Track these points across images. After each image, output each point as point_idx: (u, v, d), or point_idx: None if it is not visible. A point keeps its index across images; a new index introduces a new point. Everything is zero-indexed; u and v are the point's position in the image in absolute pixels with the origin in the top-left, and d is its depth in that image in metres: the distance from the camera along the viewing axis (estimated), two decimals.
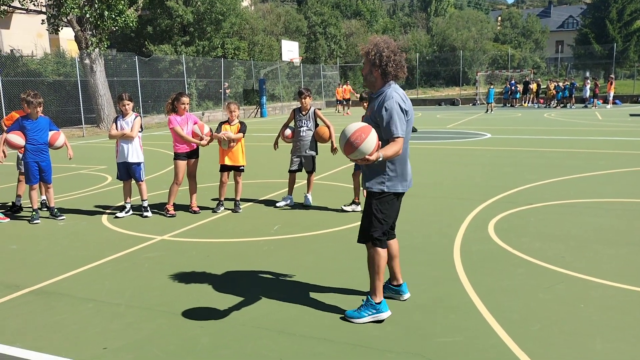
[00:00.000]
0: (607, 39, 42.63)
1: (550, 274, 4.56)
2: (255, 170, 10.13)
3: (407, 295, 4.09)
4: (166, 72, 27.03)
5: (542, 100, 32.12)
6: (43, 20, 21.27)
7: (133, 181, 7.09)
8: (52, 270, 4.99)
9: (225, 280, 4.62)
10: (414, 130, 17.66)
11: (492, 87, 28.90)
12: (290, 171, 7.38)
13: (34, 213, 6.90)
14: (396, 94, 3.57)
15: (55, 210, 7.10)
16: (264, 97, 29.51)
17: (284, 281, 4.55)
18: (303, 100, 7.18)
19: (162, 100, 25.76)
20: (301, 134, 7.25)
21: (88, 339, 3.59)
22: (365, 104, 6.09)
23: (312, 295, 4.22)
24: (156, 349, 3.41)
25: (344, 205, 7.02)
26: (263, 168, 10.71)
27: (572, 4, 75.49)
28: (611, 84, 29.32)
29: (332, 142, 6.93)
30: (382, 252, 3.70)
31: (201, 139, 6.95)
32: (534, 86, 32.47)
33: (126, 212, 7.05)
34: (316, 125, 7.24)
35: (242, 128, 7.05)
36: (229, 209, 7.20)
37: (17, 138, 6.68)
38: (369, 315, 3.70)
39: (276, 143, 7.61)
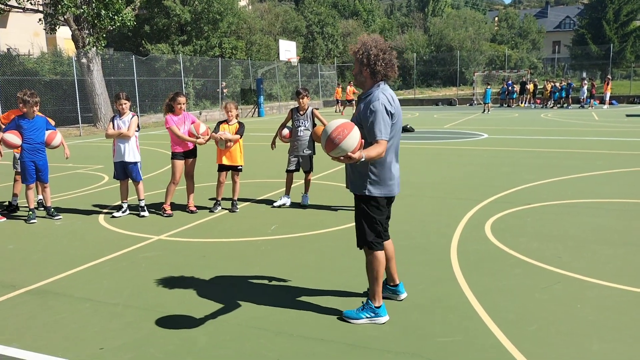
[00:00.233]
0: (603, 40, 42.79)
1: (547, 274, 4.57)
2: (252, 170, 10.12)
3: (404, 295, 4.09)
4: (163, 71, 27.00)
5: (538, 101, 32.19)
6: (40, 19, 21.21)
7: (130, 181, 7.08)
8: (49, 269, 4.98)
9: (223, 280, 4.62)
10: (411, 130, 17.69)
11: (489, 87, 28.95)
12: (287, 171, 7.38)
13: (30, 212, 6.88)
14: (383, 96, 3.50)
15: (52, 209, 7.08)
16: (262, 96, 29.51)
17: (282, 281, 4.55)
18: (301, 100, 7.18)
19: (160, 99, 25.72)
20: (299, 133, 7.26)
21: (86, 338, 3.58)
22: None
23: (310, 295, 4.22)
24: (154, 349, 3.41)
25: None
26: (260, 168, 10.71)
27: (569, 4, 75.70)
28: (608, 84, 29.41)
29: None
30: (380, 257, 3.67)
31: (197, 138, 6.94)
32: (530, 86, 32.55)
33: (123, 212, 7.04)
34: (314, 125, 7.25)
35: (241, 129, 7.05)
36: (226, 209, 7.19)
37: (13, 137, 6.66)
38: (367, 317, 3.70)
39: (274, 143, 7.61)
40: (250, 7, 41.37)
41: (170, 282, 4.58)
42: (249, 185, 8.84)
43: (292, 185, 7.49)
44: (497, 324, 3.63)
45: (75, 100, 20.35)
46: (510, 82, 33.70)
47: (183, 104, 6.97)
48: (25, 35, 27.18)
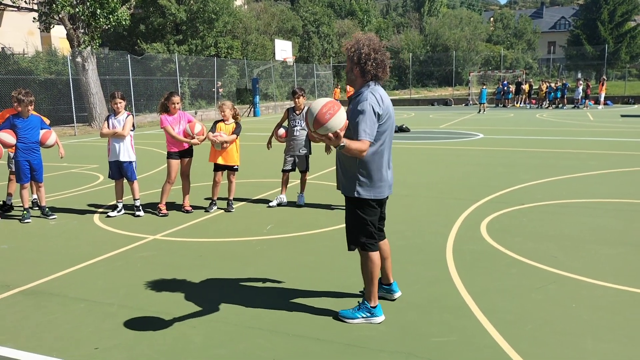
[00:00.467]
0: (598, 40, 42.96)
1: (542, 274, 4.58)
2: (248, 170, 10.11)
3: (397, 295, 4.08)
4: (159, 70, 26.93)
5: (534, 101, 32.28)
6: (35, 18, 21.10)
7: (125, 180, 7.05)
8: (43, 269, 4.96)
9: (218, 280, 4.61)
10: (407, 130, 17.70)
11: (484, 87, 29.03)
12: (283, 170, 7.37)
13: (25, 212, 6.85)
14: (372, 96, 3.43)
15: (47, 209, 7.05)
16: (257, 96, 29.46)
17: (277, 281, 4.54)
18: (297, 99, 7.17)
19: (155, 99, 25.65)
20: (295, 133, 7.25)
21: (80, 338, 3.56)
22: None
23: (306, 295, 4.22)
24: (149, 349, 3.40)
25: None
26: (256, 167, 10.69)
27: (564, 5, 75.98)
28: (603, 84, 29.52)
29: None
30: (375, 258, 3.65)
31: (192, 138, 6.92)
32: (526, 87, 32.64)
33: (118, 212, 7.01)
34: None
35: (237, 130, 7.03)
36: (221, 209, 7.18)
37: (7, 137, 6.63)
38: (363, 317, 3.70)
39: (269, 142, 7.60)
40: (246, 6, 41.33)
41: (165, 282, 4.56)
42: (244, 185, 8.82)
43: (288, 185, 7.48)
44: (492, 324, 3.64)
45: (70, 100, 20.27)
46: (505, 82, 33.78)
47: (177, 103, 6.94)
48: (19, 34, 27.04)
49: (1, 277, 4.80)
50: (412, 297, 4.12)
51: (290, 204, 7.39)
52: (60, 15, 19.62)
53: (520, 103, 32.93)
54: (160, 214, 6.93)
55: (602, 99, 29.57)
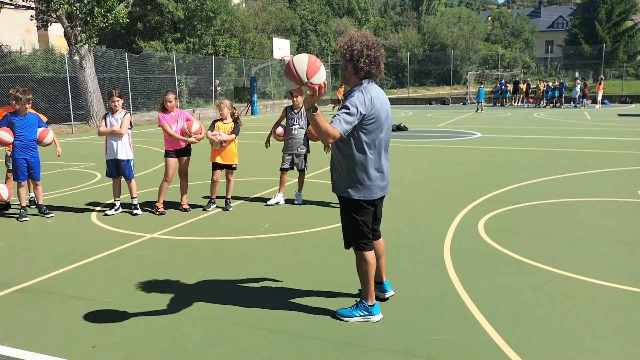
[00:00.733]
0: (596, 40, 43.02)
1: (539, 272, 4.59)
2: (246, 169, 10.10)
3: (389, 293, 4.07)
4: (156, 69, 26.90)
5: (531, 100, 32.33)
6: (32, 16, 21.06)
7: (123, 179, 7.04)
8: (41, 268, 4.95)
9: (216, 278, 4.61)
10: (405, 129, 17.71)
11: (482, 86, 29.07)
12: (281, 169, 7.37)
13: (22, 210, 6.84)
14: (361, 95, 3.38)
15: (44, 207, 7.04)
16: (255, 94, 29.45)
17: (275, 279, 4.54)
18: (295, 98, 7.17)
19: (152, 97, 25.63)
20: (293, 132, 7.25)
21: (78, 337, 3.56)
22: None
23: (303, 293, 4.22)
24: (146, 347, 3.40)
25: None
26: (254, 166, 10.69)
27: (561, 4, 76.02)
28: (600, 84, 29.57)
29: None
30: (369, 257, 3.64)
31: (189, 136, 6.91)
32: (523, 86, 32.68)
33: (116, 210, 7.00)
34: (308, 123, 7.23)
35: (236, 129, 7.03)
36: (219, 207, 7.17)
37: (4, 135, 6.61)
38: (361, 316, 3.70)
39: (268, 141, 7.60)
40: (244, 4, 41.28)
41: (163, 281, 4.56)
42: (242, 183, 8.82)
43: (286, 184, 7.48)
44: (490, 322, 3.64)
45: (68, 98, 20.23)
46: (503, 81, 33.83)
47: (170, 101, 6.93)
48: (16, 32, 26.99)
49: None
50: (410, 296, 4.13)
51: (288, 202, 7.40)
52: (57, 13, 19.58)
53: (518, 102, 32.98)
54: (158, 213, 6.93)
55: (599, 98, 29.63)
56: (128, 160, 6.94)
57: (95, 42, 20.88)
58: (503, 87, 32.78)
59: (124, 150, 6.88)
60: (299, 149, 7.28)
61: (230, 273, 4.73)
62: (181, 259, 5.16)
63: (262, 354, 3.29)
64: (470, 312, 3.82)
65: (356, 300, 3.83)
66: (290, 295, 4.18)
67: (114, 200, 7.08)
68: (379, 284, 4.05)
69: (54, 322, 3.81)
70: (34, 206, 7.31)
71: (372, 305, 3.71)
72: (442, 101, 36.77)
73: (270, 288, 4.36)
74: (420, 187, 8.37)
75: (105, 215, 6.91)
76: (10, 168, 7.09)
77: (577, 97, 29.60)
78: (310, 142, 7.27)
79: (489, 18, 66.62)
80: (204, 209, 7.11)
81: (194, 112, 26.54)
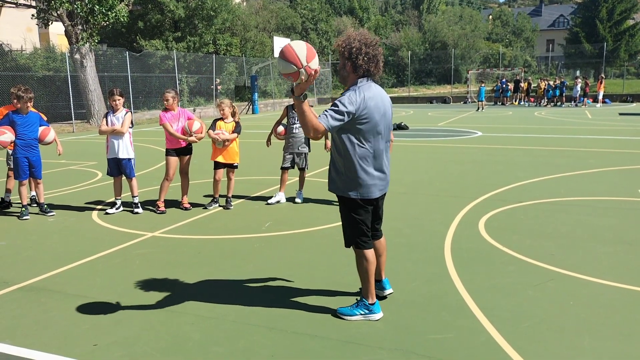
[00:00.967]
0: (597, 38, 42.96)
1: (540, 271, 4.60)
2: (247, 167, 10.11)
3: (388, 291, 4.07)
4: (157, 67, 26.89)
5: (532, 99, 32.31)
6: (33, 15, 21.06)
7: (124, 177, 7.05)
8: (42, 266, 4.96)
9: (217, 277, 4.62)
10: (405, 127, 17.70)
11: (483, 85, 29.04)
12: (282, 168, 7.37)
13: (23, 209, 6.85)
14: (354, 95, 3.37)
15: (45, 206, 7.05)
16: (256, 93, 29.44)
17: (275, 278, 4.55)
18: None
19: (153, 96, 25.64)
20: (294, 131, 7.25)
21: (78, 335, 3.57)
22: None
23: (304, 292, 4.22)
24: (147, 346, 3.40)
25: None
26: (255, 165, 10.69)
27: (562, 3, 75.87)
28: (601, 83, 29.54)
29: (325, 140, 6.93)
30: (369, 256, 3.65)
31: (190, 135, 6.91)
32: (524, 85, 32.66)
33: (116, 209, 7.01)
34: None
35: (237, 128, 7.04)
36: (220, 206, 7.18)
37: (4, 137, 6.59)
38: (361, 314, 3.71)
39: (269, 140, 7.60)
40: (244, 3, 41.26)
41: (163, 279, 4.57)
42: (243, 182, 8.82)
43: (287, 183, 7.49)
44: (490, 321, 3.65)
45: (69, 97, 20.24)
46: (504, 80, 33.79)
47: (167, 100, 6.93)
48: (17, 30, 27.00)
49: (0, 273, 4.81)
50: (410, 295, 4.13)
51: (289, 201, 7.40)
52: (58, 12, 19.58)
53: (519, 101, 32.96)
54: (158, 211, 6.93)
55: (600, 97, 29.59)
56: (129, 159, 6.95)
57: (96, 40, 20.89)
58: (504, 86, 32.74)
59: (125, 149, 6.89)
60: (299, 148, 7.28)
61: (231, 272, 4.73)
62: (182, 257, 5.17)
63: (263, 353, 3.29)
64: (470, 311, 3.82)
65: (357, 299, 3.83)
66: (290, 294, 4.18)
67: (115, 198, 7.09)
68: (378, 281, 4.05)
69: (55, 320, 3.81)
70: (35, 205, 7.32)
71: (372, 304, 3.72)
72: (443, 100, 36.75)
73: (270, 287, 4.37)
74: (421, 186, 8.37)
75: (106, 213, 6.92)
76: (12, 166, 7.10)
77: (578, 96, 29.57)
78: (311, 141, 7.27)
79: (490, 17, 66.52)
80: (205, 208, 7.11)
81: (194, 110, 26.56)
